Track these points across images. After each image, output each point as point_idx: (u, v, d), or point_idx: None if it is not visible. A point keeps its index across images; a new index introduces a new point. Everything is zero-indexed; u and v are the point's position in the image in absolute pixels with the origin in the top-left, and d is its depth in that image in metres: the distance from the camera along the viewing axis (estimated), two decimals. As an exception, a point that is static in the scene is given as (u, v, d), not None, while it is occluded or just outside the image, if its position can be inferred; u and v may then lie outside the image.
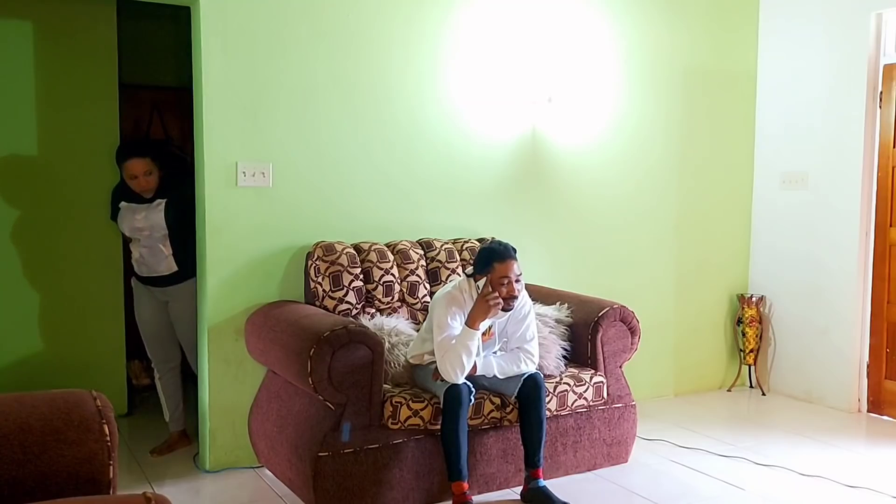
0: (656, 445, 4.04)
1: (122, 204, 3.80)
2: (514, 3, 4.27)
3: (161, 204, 3.75)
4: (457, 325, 3.20)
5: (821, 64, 4.78)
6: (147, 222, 3.76)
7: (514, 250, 3.24)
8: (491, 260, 3.20)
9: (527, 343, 3.35)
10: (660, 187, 4.85)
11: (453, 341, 3.14)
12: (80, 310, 4.26)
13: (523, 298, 3.36)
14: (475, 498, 3.29)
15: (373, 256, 3.71)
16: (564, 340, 3.72)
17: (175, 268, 3.80)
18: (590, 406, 3.61)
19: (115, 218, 3.87)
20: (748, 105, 5.16)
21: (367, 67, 3.90)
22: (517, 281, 3.20)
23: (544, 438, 3.30)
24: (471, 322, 3.16)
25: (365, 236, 3.89)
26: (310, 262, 3.65)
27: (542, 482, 3.27)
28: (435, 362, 3.24)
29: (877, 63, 4.56)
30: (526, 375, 3.26)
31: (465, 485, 3.15)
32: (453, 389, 3.11)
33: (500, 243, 3.27)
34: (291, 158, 3.74)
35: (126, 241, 4.01)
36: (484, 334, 3.27)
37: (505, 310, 3.22)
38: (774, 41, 5.05)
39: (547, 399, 3.38)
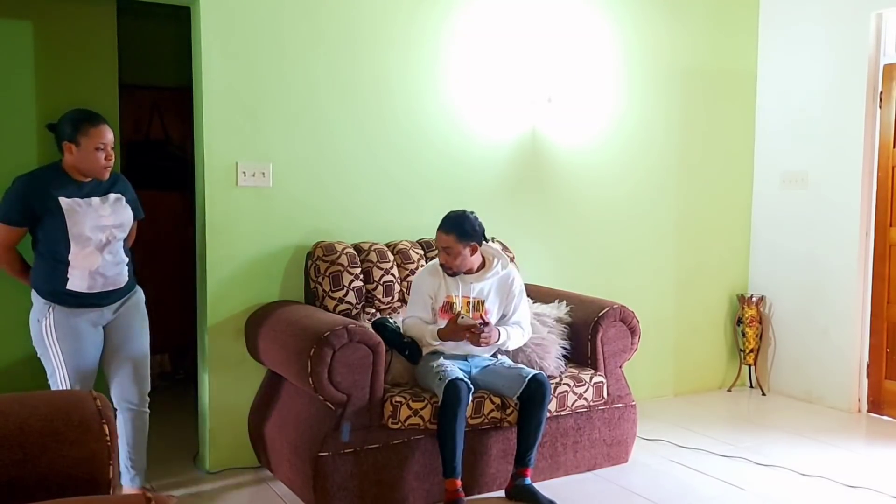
0: (656, 445, 4.04)
1: (66, 199, 2.95)
2: (514, 4, 4.27)
3: (121, 198, 3.10)
4: (420, 311, 3.44)
5: (821, 64, 4.78)
6: (116, 219, 3.05)
7: (453, 223, 3.39)
8: None
9: (521, 319, 3.53)
10: (660, 187, 4.85)
11: (423, 330, 3.39)
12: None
13: (513, 277, 3.54)
14: (474, 497, 3.29)
15: (373, 256, 3.71)
16: (564, 339, 3.72)
17: (127, 277, 3.14)
18: (590, 406, 3.61)
19: (26, 221, 2.99)
20: (748, 105, 5.16)
21: (366, 67, 3.90)
22: (446, 252, 3.39)
23: (540, 440, 3.31)
24: (442, 335, 3.36)
25: (365, 236, 3.89)
26: (310, 262, 3.65)
27: (529, 480, 3.28)
28: (433, 361, 3.29)
29: (877, 63, 4.56)
30: (531, 377, 3.26)
31: (459, 482, 3.15)
32: (453, 388, 3.11)
33: (452, 212, 3.49)
34: (291, 158, 3.74)
35: (46, 252, 3.01)
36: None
37: (473, 343, 3.34)
38: (774, 41, 5.05)
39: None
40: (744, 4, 5.08)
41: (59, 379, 3.01)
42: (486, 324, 3.34)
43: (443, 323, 3.39)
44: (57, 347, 3.01)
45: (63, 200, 2.94)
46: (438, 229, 3.42)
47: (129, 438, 3.21)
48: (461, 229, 3.38)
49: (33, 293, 3.08)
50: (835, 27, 4.70)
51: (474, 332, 3.29)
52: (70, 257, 2.95)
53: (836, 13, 4.69)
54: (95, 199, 3.01)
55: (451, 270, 3.43)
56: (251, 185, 3.65)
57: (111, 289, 3.07)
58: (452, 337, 3.35)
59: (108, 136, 3.01)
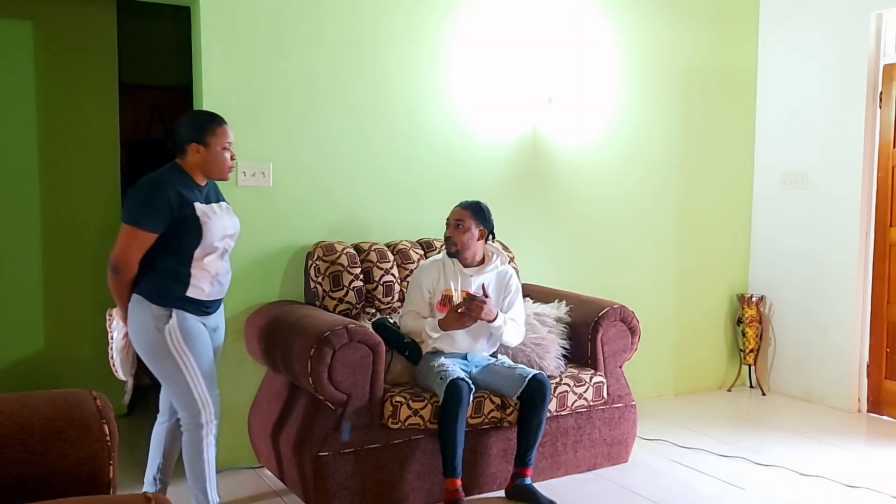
0: (656, 445, 4.04)
1: (199, 205, 2.83)
2: (514, 4, 4.27)
3: (230, 207, 3.02)
4: (417, 305, 3.45)
5: (821, 64, 4.78)
6: (233, 228, 2.97)
7: (472, 205, 3.49)
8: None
9: (517, 316, 3.53)
10: (660, 187, 4.86)
11: (422, 324, 3.41)
12: (80, 310, 4.25)
13: (511, 274, 3.58)
14: (474, 497, 3.29)
15: (373, 256, 3.71)
16: (564, 339, 3.72)
17: None
18: (590, 406, 3.61)
19: (164, 227, 2.78)
20: (748, 105, 5.16)
21: (367, 67, 3.90)
22: (456, 226, 3.46)
23: (540, 440, 3.32)
24: (443, 325, 3.37)
25: (365, 236, 3.89)
26: (310, 262, 3.65)
27: (529, 480, 3.28)
28: (434, 361, 3.30)
29: (877, 63, 4.56)
30: (531, 377, 3.27)
31: (459, 481, 3.15)
32: (454, 387, 3.11)
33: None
34: (291, 158, 3.74)
35: (169, 258, 2.82)
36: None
37: (475, 314, 3.34)
38: (774, 41, 5.06)
39: (547, 400, 3.39)
40: (744, 4, 5.08)
41: (194, 386, 2.83)
42: (486, 296, 3.36)
43: (442, 317, 3.40)
44: (186, 351, 2.81)
45: (197, 206, 2.82)
46: (457, 207, 3.52)
47: (166, 450, 3.05)
48: (477, 208, 3.50)
49: (143, 304, 2.81)
50: (835, 27, 4.70)
51: (478, 304, 3.29)
52: (194, 263, 2.83)
53: (836, 13, 4.69)
54: (215, 206, 2.91)
55: (454, 248, 3.45)
56: (251, 185, 3.65)
57: (219, 297, 2.97)
58: (454, 325, 3.36)
59: (232, 135, 2.94)
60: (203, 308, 2.90)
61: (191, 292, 2.84)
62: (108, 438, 1.83)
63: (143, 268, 2.82)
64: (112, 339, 2.93)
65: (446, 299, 3.43)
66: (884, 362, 4.62)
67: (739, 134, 5.15)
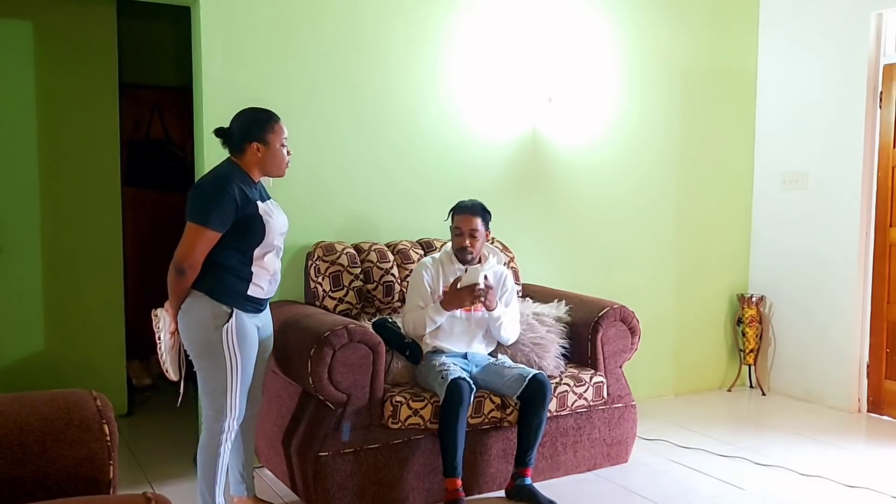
0: (656, 445, 4.04)
1: (261, 203, 2.86)
2: (514, 4, 4.27)
3: (277, 203, 3.03)
4: (420, 302, 3.43)
5: (821, 64, 4.78)
6: (287, 224, 3.03)
7: (480, 209, 3.47)
8: (451, 211, 3.52)
9: (513, 312, 3.55)
10: (660, 187, 4.86)
11: (424, 313, 3.40)
12: (80, 310, 4.25)
13: (508, 274, 3.59)
14: (474, 497, 3.29)
15: (373, 256, 3.71)
16: (563, 339, 3.72)
17: None
18: (590, 406, 3.61)
19: (228, 227, 2.78)
20: (748, 105, 5.16)
21: (367, 67, 3.90)
22: (472, 236, 3.43)
23: (540, 440, 3.32)
24: (445, 304, 3.37)
25: (365, 236, 3.89)
26: (310, 262, 3.65)
27: (529, 480, 3.28)
28: (435, 360, 3.30)
29: (877, 63, 4.56)
30: (531, 377, 3.26)
31: (459, 481, 3.15)
32: (455, 387, 3.11)
33: (468, 200, 3.53)
34: (291, 158, 3.73)
35: (232, 257, 2.82)
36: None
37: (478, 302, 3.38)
38: (774, 41, 5.06)
39: (547, 399, 3.39)
40: (744, 4, 5.08)
41: (231, 389, 2.82)
42: (488, 287, 3.36)
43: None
44: (237, 354, 2.81)
45: (260, 205, 2.84)
46: (465, 213, 3.45)
47: (245, 449, 3.09)
48: (483, 210, 3.49)
49: (204, 301, 2.79)
50: (835, 27, 4.70)
51: (477, 294, 3.32)
52: (254, 262, 2.85)
53: (836, 13, 4.69)
54: (270, 203, 2.93)
55: (471, 255, 3.45)
56: (251, 184, 3.64)
57: (272, 295, 3.00)
58: (456, 303, 3.36)
59: (287, 130, 2.97)
60: (259, 306, 2.93)
61: (251, 290, 2.86)
62: (107, 438, 1.83)
63: (205, 265, 2.80)
64: (160, 339, 2.90)
65: None
66: (884, 362, 4.61)
67: (739, 134, 5.14)
